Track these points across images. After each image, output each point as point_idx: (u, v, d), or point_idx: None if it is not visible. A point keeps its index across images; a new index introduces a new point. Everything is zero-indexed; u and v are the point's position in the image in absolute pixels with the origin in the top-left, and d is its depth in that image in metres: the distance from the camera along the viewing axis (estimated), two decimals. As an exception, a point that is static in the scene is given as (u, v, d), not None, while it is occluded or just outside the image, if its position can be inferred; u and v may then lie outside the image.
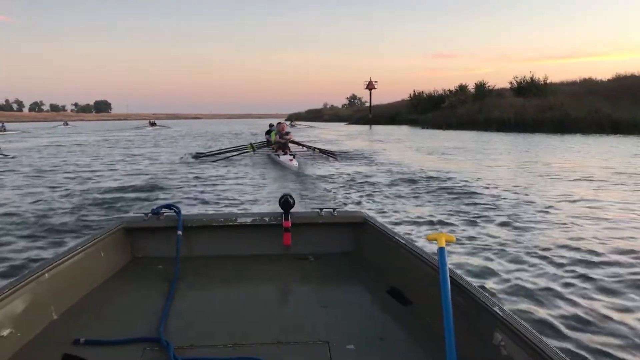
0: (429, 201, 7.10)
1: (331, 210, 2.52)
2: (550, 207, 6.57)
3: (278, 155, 12.88)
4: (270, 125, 17.30)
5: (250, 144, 15.54)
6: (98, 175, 10.78)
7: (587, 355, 2.64)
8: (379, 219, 2.84)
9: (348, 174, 10.40)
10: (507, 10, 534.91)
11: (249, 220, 2.49)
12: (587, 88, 35.28)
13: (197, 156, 13.87)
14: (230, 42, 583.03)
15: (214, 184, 8.98)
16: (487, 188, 8.23)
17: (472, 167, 11.59)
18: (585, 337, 2.84)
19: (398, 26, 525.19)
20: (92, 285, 2.03)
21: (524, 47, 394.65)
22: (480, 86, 46.71)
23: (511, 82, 42.16)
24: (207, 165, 12.32)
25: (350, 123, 65.51)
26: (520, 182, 9.03)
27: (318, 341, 1.56)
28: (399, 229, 4.55)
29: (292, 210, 2.46)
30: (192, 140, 26.53)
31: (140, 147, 21.55)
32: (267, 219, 2.48)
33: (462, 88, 51.03)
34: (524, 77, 41.10)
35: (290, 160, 11.81)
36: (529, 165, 12.12)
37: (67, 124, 67.76)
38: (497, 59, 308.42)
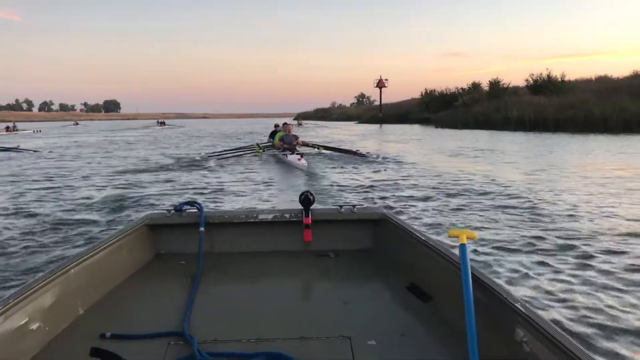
0: (476, 218, 5.86)
1: (351, 207, 2.53)
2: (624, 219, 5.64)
3: (285, 155, 12.64)
4: (276, 126, 16.90)
5: (257, 144, 15.38)
6: (110, 175, 10.84)
7: (610, 352, 2.60)
8: (399, 215, 2.67)
9: (370, 181, 9.25)
10: (515, 9, 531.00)
11: (269, 216, 2.50)
12: (606, 85, 34.08)
13: (206, 157, 13.75)
14: (238, 41, 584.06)
15: (224, 187, 8.70)
16: (549, 202, 6.77)
17: (513, 173, 10.23)
18: (608, 336, 2.79)
19: (405, 25, 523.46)
20: (117, 281, 2.06)
21: (532, 46, 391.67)
22: (495, 84, 45.61)
23: (527, 80, 41.10)
24: (215, 167, 12.05)
25: (360, 122, 64.53)
26: (585, 191, 7.76)
27: (340, 336, 1.56)
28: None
29: (312, 207, 2.47)
30: (198, 140, 25.74)
31: (150, 147, 21.02)
32: (287, 215, 2.50)
33: (475, 86, 50.02)
34: (540, 74, 40.14)
35: (299, 159, 11.51)
36: (583, 170, 10.63)
37: (77, 124, 69.07)
38: (505, 57, 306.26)
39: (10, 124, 40.02)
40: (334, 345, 1.52)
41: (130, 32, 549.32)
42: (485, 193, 7.58)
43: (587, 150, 15.67)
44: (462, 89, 51.56)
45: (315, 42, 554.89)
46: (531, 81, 40.45)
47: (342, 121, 76.29)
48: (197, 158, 13.83)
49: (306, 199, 2.45)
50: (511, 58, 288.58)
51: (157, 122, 68.33)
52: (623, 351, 2.61)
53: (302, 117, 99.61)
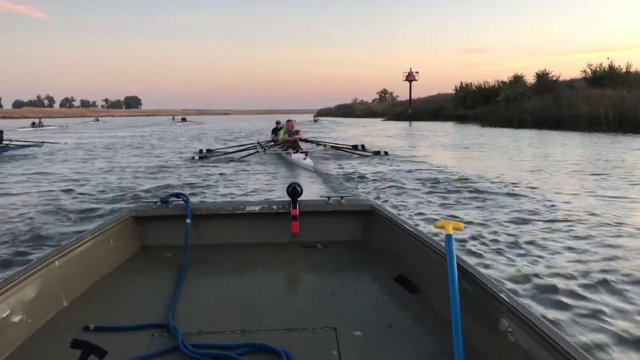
0: None
1: (339, 198, 2.51)
2: None
3: (289, 154, 11.89)
4: (277, 123, 16.12)
5: (259, 143, 14.60)
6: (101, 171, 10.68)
7: (593, 342, 2.65)
8: (387, 207, 2.71)
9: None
10: (538, 4, 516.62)
11: (257, 208, 2.49)
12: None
13: (204, 155, 13.03)
14: (260, 38, 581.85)
15: (223, 189, 8.14)
16: None
17: None
18: (593, 328, 2.83)
19: (426, 21, 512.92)
20: (102, 273, 2.03)
21: (556, 41, 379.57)
22: (543, 76, 40.46)
23: (584, 71, 35.96)
24: (213, 165, 11.29)
25: (387, 119, 59.66)
26: None
27: (325, 327, 1.54)
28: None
29: (300, 198, 2.44)
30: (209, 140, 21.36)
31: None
32: (275, 207, 2.48)
33: (517, 79, 44.86)
34: (600, 64, 35.05)
35: (304, 159, 10.83)
36: None
37: (97, 120, 70.14)
38: (530, 53, 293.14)
39: (37, 120, 40.97)
40: (320, 336, 1.49)
41: (152, 29, 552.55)
42: None
43: None
44: (502, 82, 46.57)
45: (336, 38, 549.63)
46: (589, 72, 35.31)
47: (366, 118, 71.24)
48: (195, 157, 13.02)
49: (294, 191, 2.40)
50: (535, 54, 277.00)
51: (172, 117, 65.82)
52: (607, 341, 2.66)
53: (323, 113, 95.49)
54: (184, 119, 56.95)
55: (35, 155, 15.15)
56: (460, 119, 44.56)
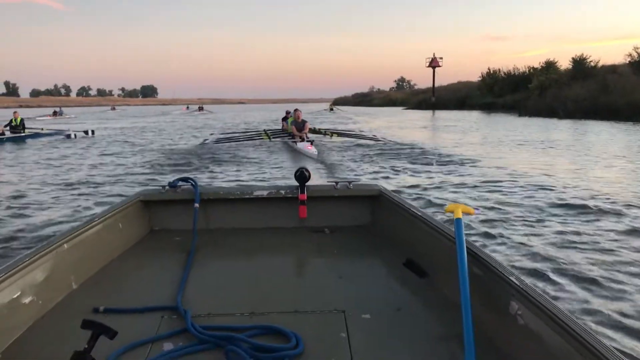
0: None
1: (347, 183, 2.49)
2: None
3: (295, 142, 11.86)
4: (287, 112, 16.27)
5: (265, 131, 14.60)
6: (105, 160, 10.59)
7: (605, 323, 2.57)
8: (395, 191, 2.65)
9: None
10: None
11: (265, 193, 2.48)
12: None
13: (213, 141, 13.15)
14: (276, 27, 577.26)
15: (227, 174, 8.20)
16: None
17: None
18: (604, 308, 2.72)
19: (445, 9, 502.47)
20: (111, 256, 2.04)
21: (578, 29, 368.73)
22: (580, 61, 37.37)
23: (630, 54, 32.80)
24: (219, 154, 11.16)
25: (408, 108, 56.85)
26: None
27: (334, 310, 1.54)
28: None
29: (308, 183, 2.43)
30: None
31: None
32: (283, 192, 2.47)
33: (550, 64, 41.82)
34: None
35: (309, 147, 10.87)
36: None
37: (114, 109, 71.30)
38: (551, 40, 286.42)
39: (57, 109, 42.20)
40: (328, 319, 1.50)
41: (169, 18, 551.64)
42: None
43: None
44: (533, 68, 43.62)
45: (352, 26, 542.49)
46: (635, 56, 32.16)
47: (384, 107, 68.32)
48: (199, 143, 13.40)
49: (302, 175, 2.39)
50: (559, 41, 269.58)
51: (188, 107, 64.61)
52: (617, 323, 2.57)
53: (339, 102, 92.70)
54: (200, 108, 55.11)
55: (60, 144, 15.05)
56: (488, 107, 41.94)
